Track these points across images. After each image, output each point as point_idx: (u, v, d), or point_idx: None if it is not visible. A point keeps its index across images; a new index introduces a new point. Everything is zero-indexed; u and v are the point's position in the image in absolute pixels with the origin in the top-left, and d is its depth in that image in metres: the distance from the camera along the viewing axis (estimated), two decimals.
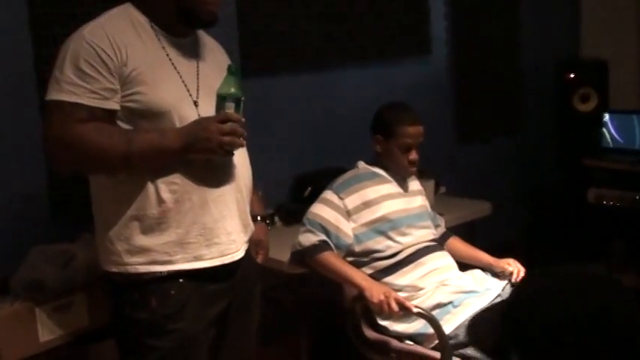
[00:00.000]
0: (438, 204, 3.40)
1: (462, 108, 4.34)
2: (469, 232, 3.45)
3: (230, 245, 1.85)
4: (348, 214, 2.47)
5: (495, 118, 4.53)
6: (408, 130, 2.50)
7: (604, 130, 4.29)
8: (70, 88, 1.65)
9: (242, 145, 1.69)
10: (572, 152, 4.45)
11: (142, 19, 1.76)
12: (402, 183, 2.63)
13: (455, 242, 2.74)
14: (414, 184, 2.73)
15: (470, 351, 2.23)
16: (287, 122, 3.43)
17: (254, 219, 2.03)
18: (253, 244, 2.05)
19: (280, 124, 3.46)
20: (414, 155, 2.54)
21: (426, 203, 2.77)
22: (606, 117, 4.30)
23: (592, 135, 4.36)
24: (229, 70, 1.71)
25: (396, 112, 2.55)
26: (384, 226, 2.48)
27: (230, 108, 1.68)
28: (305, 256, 2.44)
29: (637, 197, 4.03)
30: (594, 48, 4.75)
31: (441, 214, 3.07)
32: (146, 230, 1.75)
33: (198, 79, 1.80)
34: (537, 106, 4.80)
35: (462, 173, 4.32)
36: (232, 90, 1.69)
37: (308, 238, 2.44)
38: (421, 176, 3.37)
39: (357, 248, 2.47)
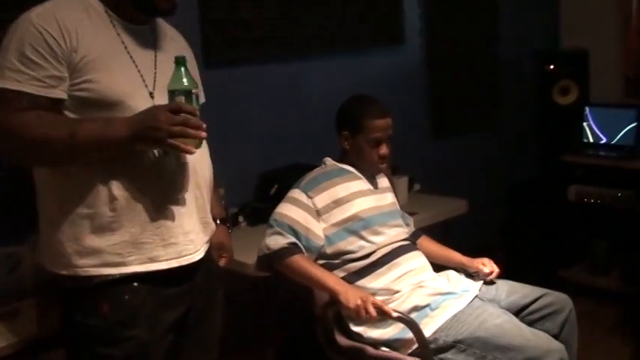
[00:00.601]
0: (411, 202, 3.42)
1: (437, 101, 4.36)
2: (443, 231, 3.46)
3: (188, 246, 1.83)
4: (317, 214, 2.47)
5: (472, 112, 4.55)
6: (376, 123, 2.50)
7: (584, 124, 4.33)
8: (12, 75, 1.62)
9: (194, 137, 1.66)
10: (552, 148, 4.48)
11: (95, 4, 1.75)
12: (372, 180, 2.64)
13: (426, 242, 2.75)
14: (383, 181, 2.71)
15: (450, 355, 2.25)
16: (252, 115, 3.43)
17: (213, 221, 2.02)
18: (215, 247, 2.05)
19: (244, 118, 3.44)
20: (384, 150, 2.54)
21: (396, 201, 2.78)
22: (587, 110, 4.33)
23: (572, 130, 4.39)
24: (176, 62, 1.70)
25: (362, 105, 2.55)
26: (356, 226, 2.49)
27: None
28: (273, 260, 2.42)
29: (619, 194, 4.06)
30: (574, 37, 4.79)
31: (414, 213, 3.09)
32: (97, 230, 1.73)
33: (155, 69, 1.79)
34: (516, 100, 4.83)
35: (436, 170, 4.33)
36: (181, 83, 1.68)
37: (276, 241, 2.43)
38: (394, 172, 3.40)
39: (329, 250, 2.47)
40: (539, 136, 4.77)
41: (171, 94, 1.68)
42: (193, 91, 1.68)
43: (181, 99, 1.67)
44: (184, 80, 1.68)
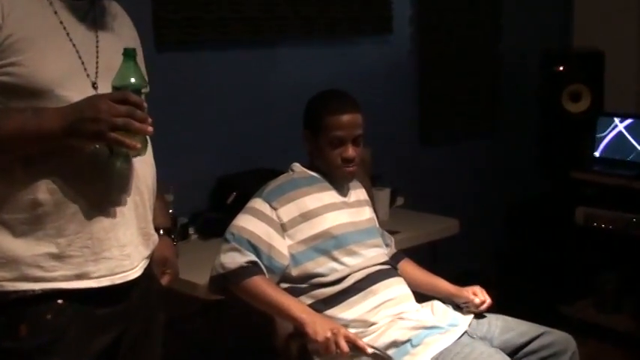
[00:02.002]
0: (393, 218, 3.46)
1: (427, 102, 4.37)
2: (429, 255, 3.48)
3: (123, 261, 1.83)
4: (282, 229, 2.48)
5: (467, 116, 4.57)
6: (338, 120, 2.52)
7: (597, 136, 4.35)
8: None
9: (139, 132, 1.65)
10: (559, 162, 4.49)
11: None
12: (343, 191, 2.67)
13: (408, 267, 2.76)
14: (359, 193, 2.74)
15: None
16: (209, 110, 3.44)
17: (156, 232, 2.02)
18: (157, 262, 2.04)
19: (200, 112, 3.43)
20: (349, 151, 2.55)
21: (374, 216, 2.78)
22: (600, 121, 4.35)
23: (583, 142, 4.40)
24: (125, 54, 1.71)
25: (323, 100, 2.58)
26: (326, 244, 2.50)
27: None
28: (229, 281, 2.43)
29: (633, 220, 4.06)
30: (588, 37, 4.81)
31: (396, 232, 3.10)
32: (17, 238, 1.71)
33: (97, 53, 1.80)
34: (518, 104, 4.87)
35: (424, 182, 4.35)
36: (129, 79, 1.69)
37: (233, 259, 2.43)
38: (374, 183, 3.44)
39: (295, 271, 2.47)
40: (544, 147, 4.77)
41: (116, 90, 1.69)
42: (143, 90, 1.69)
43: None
44: (133, 77, 1.69)
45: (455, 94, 4.46)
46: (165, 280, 2.09)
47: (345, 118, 2.52)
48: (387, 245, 2.76)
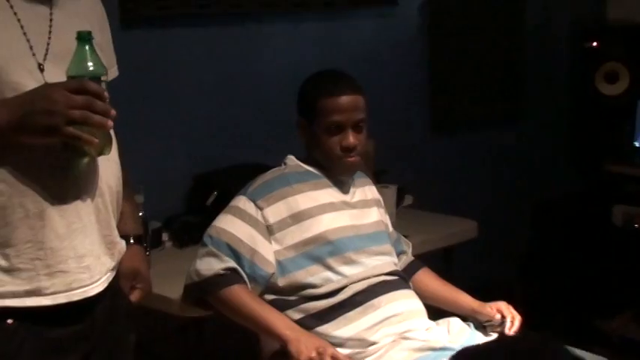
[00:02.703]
0: (400, 220, 3.42)
1: (439, 84, 4.37)
2: (443, 263, 3.47)
3: (81, 274, 1.82)
4: (268, 232, 2.49)
5: (485, 101, 4.57)
6: (335, 103, 2.53)
7: (638, 123, 4.35)
8: None
9: (100, 126, 1.66)
10: (593, 153, 4.51)
11: None
12: (345, 188, 2.65)
13: (425, 277, 2.76)
14: (367, 191, 2.72)
15: None
16: (183, 97, 3.44)
17: (125, 239, 2.03)
18: (126, 275, 2.05)
19: (173, 100, 3.43)
20: (349, 139, 2.54)
21: (386, 219, 2.76)
22: None
23: (620, 130, 4.41)
24: (80, 38, 1.71)
25: (318, 80, 2.60)
26: (320, 250, 2.49)
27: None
28: (204, 290, 2.44)
29: None
30: (626, 6, 4.79)
31: (405, 236, 3.05)
32: None
33: (50, 32, 1.79)
34: (546, 87, 4.87)
35: (436, 178, 4.34)
36: (86, 67, 1.70)
37: (210, 265, 2.44)
38: (378, 180, 3.43)
39: (282, 282, 2.48)
40: (575, 137, 4.81)
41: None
42: (103, 78, 1.70)
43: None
44: (90, 63, 1.70)
45: (471, 75, 4.47)
46: (135, 296, 2.09)
47: (344, 99, 2.53)
48: (401, 253, 2.77)
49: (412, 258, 2.81)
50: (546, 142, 4.86)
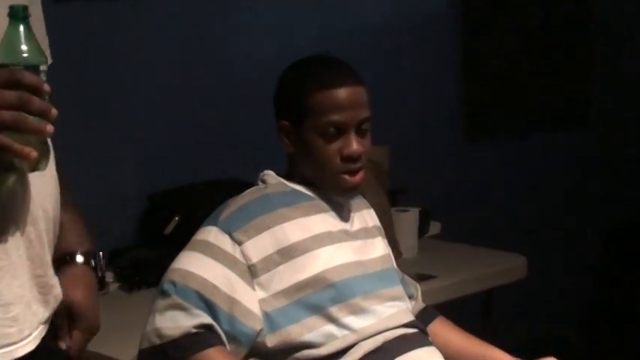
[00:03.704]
0: (424, 255, 3.42)
1: (476, 75, 4.38)
2: (481, 312, 3.45)
3: (7, 329, 1.78)
4: (251, 274, 2.41)
5: (540, 98, 4.60)
6: (332, 97, 2.45)
7: None
8: None
9: (38, 132, 1.63)
10: None
11: None
12: (344, 212, 2.58)
13: (443, 330, 2.71)
14: (365, 216, 2.66)
15: None
16: (134, 93, 3.46)
17: (65, 259, 2.03)
18: (60, 311, 1.99)
19: (121, 97, 3.41)
20: (352, 145, 2.47)
21: (390, 252, 2.70)
22: None
23: None
24: (12, 15, 1.70)
25: (308, 70, 2.54)
26: (319, 297, 2.42)
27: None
28: (169, 356, 2.37)
29: None
30: None
31: (430, 276, 3.08)
32: None
33: None
34: (621, 80, 4.88)
35: (471, 199, 4.36)
36: (19, 53, 1.68)
37: (176, 322, 2.38)
38: (394, 201, 3.41)
39: (271, 341, 2.40)
40: None
41: (4, 68, 1.68)
42: (41, 67, 1.69)
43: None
44: (25, 48, 1.69)
45: (520, 63, 4.49)
46: (74, 345, 2.03)
47: (344, 93, 2.45)
48: (409, 297, 2.70)
49: (423, 305, 2.75)
50: (621, 152, 4.91)
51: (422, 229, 3.58)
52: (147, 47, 3.48)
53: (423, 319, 2.66)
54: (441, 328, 2.68)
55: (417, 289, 2.75)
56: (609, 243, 4.69)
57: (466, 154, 4.38)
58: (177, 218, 3.24)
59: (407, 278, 2.74)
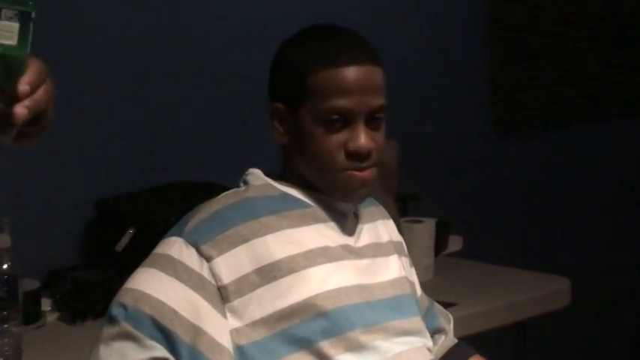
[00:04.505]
0: (442, 277, 3.49)
1: (505, 57, 4.36)
2: (515, 347, 3.42)
3: None
4: (222, 298, 2.37)
5: (587, 83, 4.59)
6: (339, 78, 2.41)
7: None
8: None
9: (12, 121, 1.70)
10: None
11: None
12: (348, 222, 2.56)
13: None
14: (380, 228, 2.63)
15: None
16: (75, 82, 3.45)
17: None
18: None
19: (63, 79, 3.28)
20: (360, 139, 2.42)
21: (412, 274, 2.70)
22: None
23: None
24: None
25: (310, 43, 2.51)
26: (308, 328, 2.36)
27: (12, 32, 1.75)
28: None
29: None
30: None
31: (452, 304, 3.15)
32: None
33: None
34: None
35: (501, 208, 4.33)
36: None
37: (123, 355, 2.33)
38: (404, 210, 3.42)
39: None
40: None
41: None
42: (34, 14, 1.73)
43: (13, 27, 1.75)
44: None
45: (561, 40, 4.49)
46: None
47: (353, 73, 2.41)
48: (438, 331, 2.69)
49: (456, 340, 2.71)
50: None
51: (439, 245, 3.56)
52: (92, 26, 3.51)
53: (453, 358, 2.66)
54: None
55: (450, 320, 2.70)
56: None
57: (494, 153, 4.37)
58: (131, 231, 3.26)
59: (437, 307, 2.71)
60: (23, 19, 1.75)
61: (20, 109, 1.86)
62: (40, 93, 1.91)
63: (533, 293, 3.47)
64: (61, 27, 3.46)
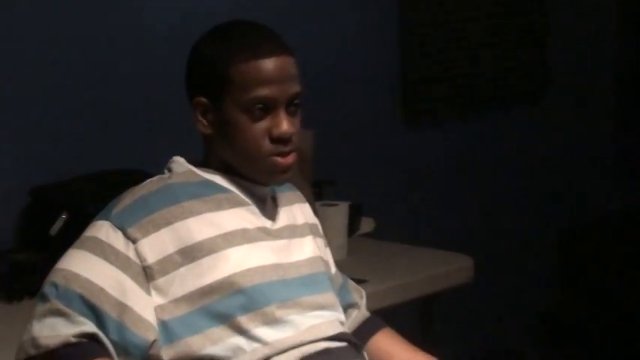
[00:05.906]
0: (354, 257, 3.49)
1: (413, 48, 4.41)
2: (421, 321, 3.48)
3: None
4: (146, 276, 2.43)
5: (489, 72, 4.66)
6: (259, 68, 2.48)
7: None
8: None
9: None
10: None
11: None
12: (266, 206, 2.60)
13: (386, 342, 2.73)
14: (296, 211, 2.69)
15: None
16: (10, 62, 3.45)
17: None
18: None
19: (6, 72, 3.40)
20: (283, 124, 2.47)
21: (327, 254, 2.74)
22: None
23: None
24: None
25: (229, 36, 2.55)
26: (227, 304, 2.44)
27: None
28: None
29: None
30: None
31: (362, 280, 3.13)
32: None
33: None
34: (584, 54, 4.96)
35: (409, 192, 4.39)
36: None
37: (54, 330, 2.37)
38: (319, 194, 3.46)
39: (167, 354, 2.42)
40: (623, 132, 4.90)
41: None
42: None
43: None
44: None
45: (466, 28, 4.56)
46: None
47: (272, 64, 2.48)
48: (351, 306, 2.76)
49: (368, 314, 2.78)
50: (582, 137, 4.96)
51: (352, 227, 3.62)
52: (23, 23, 3.47)
53: (364, 330, 2.70)
54: (384, 341, 2.73)
55: (363, 296, 2.79)
56: (565, 240, 4.79)
57: (402, 141, 4.42)
58: (64, 216, 3.24)
59: (351, 284, 2.80)
60: None
61: None
62: None
63: (438, 270, 3.51)
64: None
